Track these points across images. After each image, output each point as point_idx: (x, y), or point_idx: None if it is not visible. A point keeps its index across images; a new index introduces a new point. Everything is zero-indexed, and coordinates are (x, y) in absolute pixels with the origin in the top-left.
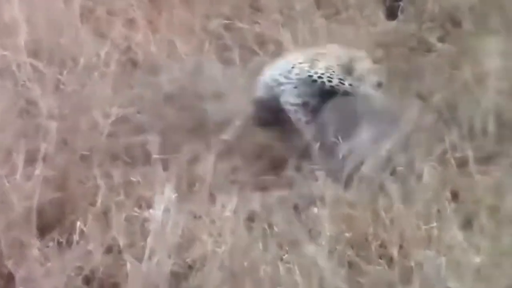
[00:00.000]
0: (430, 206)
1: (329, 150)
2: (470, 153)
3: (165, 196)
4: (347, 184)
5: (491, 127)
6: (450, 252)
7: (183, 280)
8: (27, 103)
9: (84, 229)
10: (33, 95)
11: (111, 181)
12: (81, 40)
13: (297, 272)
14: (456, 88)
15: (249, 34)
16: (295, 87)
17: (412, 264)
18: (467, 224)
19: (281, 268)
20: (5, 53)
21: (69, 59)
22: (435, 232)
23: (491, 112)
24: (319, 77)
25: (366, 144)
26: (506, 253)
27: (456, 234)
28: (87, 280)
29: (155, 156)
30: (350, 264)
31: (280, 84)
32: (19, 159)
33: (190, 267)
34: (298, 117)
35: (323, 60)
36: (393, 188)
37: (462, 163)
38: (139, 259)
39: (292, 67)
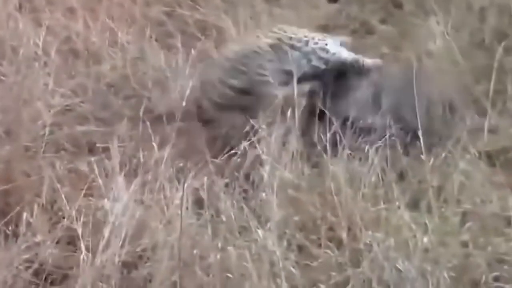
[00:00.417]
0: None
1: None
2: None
3: (112, 185)
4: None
5: (433, 106)
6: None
7: (133, 269)
8: None
9: (31, 220)
10: None
11: (56, 171)
12: (20, 30)
13: (247, 257)
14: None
15: (190, 20)
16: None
17: (361, 246)
18: (414, 204)
19: (231, 254)
20: None
21: (9, 50)
22: (383, 213)
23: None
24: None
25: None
26: (452, 233)
27: (403, 214)
28: (37, 273)
29: (99, 145)
30: (300, 248)
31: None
32: None
33: (141, 256)
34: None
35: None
36: (339, 170)
37: (408, 145)
38: (91, 250)
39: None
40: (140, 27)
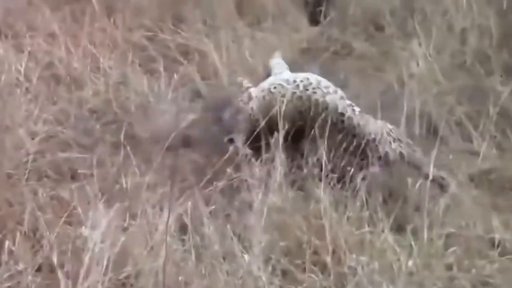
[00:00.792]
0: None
1: None
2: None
3: (95, 212)
4: None
5: (416, 129)
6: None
7: None
8: None
9: (13, 248)
10: None
11: (38, 198)
12: (1, 56)
13: (233, 283)
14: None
15: (172, 45)
16: None
17: (346, 270)
18: (398, 228)
19: (216, 280)
20: None
21: None
22: (367, 236)
23: (416, 114)
24: None
25: None
26: (437, 256)
27: (388, 237)
28: None
29: (81, 171)
30: (285, 273)
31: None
32: None
33: (124, 284)
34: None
35: None
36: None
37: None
38: (72, 278)
39: None
40: (122, 52)
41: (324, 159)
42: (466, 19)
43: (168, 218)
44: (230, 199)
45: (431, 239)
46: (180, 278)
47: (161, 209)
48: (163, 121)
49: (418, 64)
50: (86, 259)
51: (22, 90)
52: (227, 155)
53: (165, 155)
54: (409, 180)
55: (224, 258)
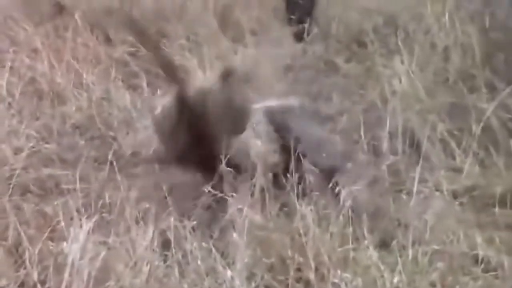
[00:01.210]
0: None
1: None
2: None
3: (77, 228)
4: None
5: (399, 146)
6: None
7: None
8: None
9: None
10: None
11: (22, 214)
12: None
13: None
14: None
15: (155, 60)
16: None
17: (329, 286)
18: (382, 244)
19: None
20: None
21: None
22: (351, 253)
23: (398, 131)
24: None
25: None
26: (421, 272)
27: (371, 254)
28: None
29: (65, 187)
30: None
31: None
32: None
33: None
34: None
35: None
36: (307, 210)
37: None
38: None
39: None
40: (105, 68)
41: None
42: (449, 37)
43: (153, 233)
44: (212, 215)
45: (415, 256)
46: None
47: (145, 224)
48: (146, 137)
49: (400, 81)
50: (66, 275)
51: (5, 105)
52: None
53: (148, 170)
54: (392, 196)
55: (207, 274)
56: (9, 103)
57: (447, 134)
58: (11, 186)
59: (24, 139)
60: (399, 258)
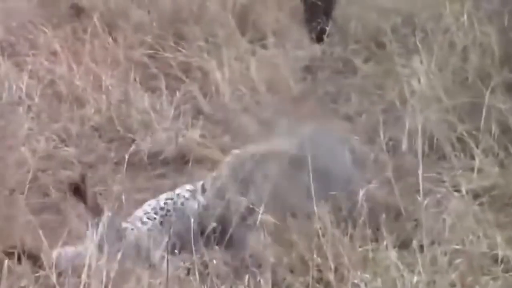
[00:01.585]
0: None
1: None
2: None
3: (99, 230)
4: None
5: (418, 146)
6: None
7: None
8: None
9: (13, 266)
10: None
11: (40, 216)
12: (3, 75)
13: None
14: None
15: (173, 62)
16: None
17: (349, 287)
18: (402, 244)
19: None
20: None
21: None
22: (370, 254)
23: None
24: None
25: None
26: (441, 272)
27: (391, 254)
28: None
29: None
30: None
31: None
32: None
33: None
34: None
35: None
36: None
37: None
38: None
39: None
40: (124, 70)
41: None
42: (468, 36)
43: (170, 235)
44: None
45: (434, 256)
46: None
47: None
48: (165, 139)
49: (419, 81)
50: (84, 275)
51: (24, 108)
52: None
53: (167, 172)
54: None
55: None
56: (29, 106)
57: (466, 134)
58: (30, 188)
59: (43, 141)
60: (418, 258)
